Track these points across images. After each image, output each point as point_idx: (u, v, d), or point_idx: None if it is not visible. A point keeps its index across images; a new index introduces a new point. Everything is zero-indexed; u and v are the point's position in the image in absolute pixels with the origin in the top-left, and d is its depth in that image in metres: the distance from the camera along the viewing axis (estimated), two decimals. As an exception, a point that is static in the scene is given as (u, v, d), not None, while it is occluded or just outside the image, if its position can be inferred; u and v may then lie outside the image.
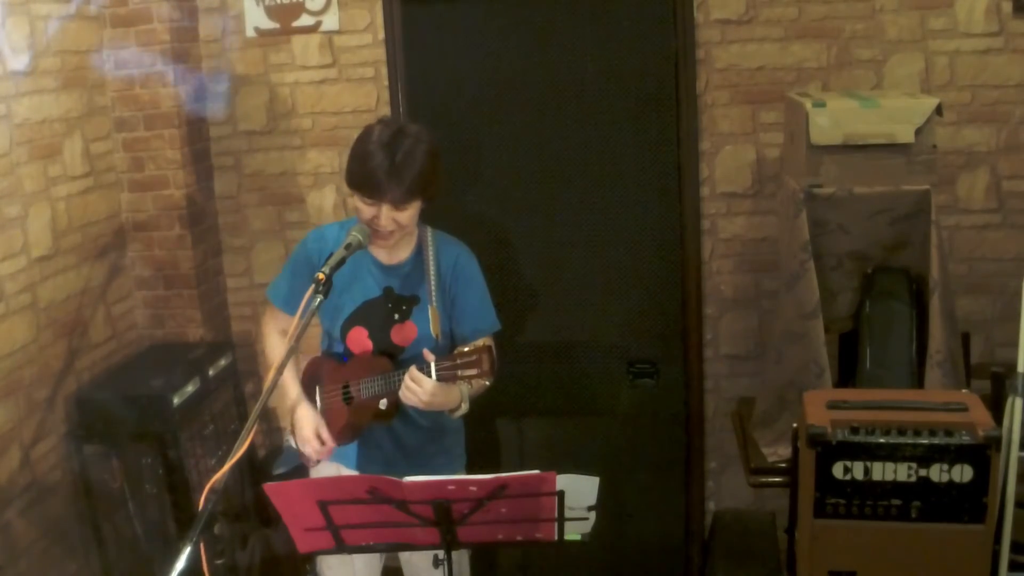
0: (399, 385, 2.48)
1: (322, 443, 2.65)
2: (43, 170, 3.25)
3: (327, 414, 2.71)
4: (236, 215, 3.93)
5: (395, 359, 2.63)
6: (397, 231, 2.54)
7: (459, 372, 2.39)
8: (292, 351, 2.24)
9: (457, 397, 2.56)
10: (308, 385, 2.78)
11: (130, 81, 3.60)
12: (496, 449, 3.91)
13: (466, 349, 2.43)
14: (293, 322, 2.37)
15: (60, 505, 3.28)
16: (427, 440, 2.74)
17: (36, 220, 3.21)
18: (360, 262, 2.65)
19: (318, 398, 2.75)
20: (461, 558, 2.84)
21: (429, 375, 2.42)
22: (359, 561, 2.80)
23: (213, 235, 3.91)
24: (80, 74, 3.45)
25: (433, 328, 2.60)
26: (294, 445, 3.77)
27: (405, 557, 2.91)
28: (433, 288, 2.63)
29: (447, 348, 2.66)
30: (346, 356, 2.70)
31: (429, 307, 2.62)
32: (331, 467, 2.78)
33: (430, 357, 2.43)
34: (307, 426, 2.66)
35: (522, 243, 3.75)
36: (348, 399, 2.68)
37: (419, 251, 2.68)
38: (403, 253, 2.68)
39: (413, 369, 2.44)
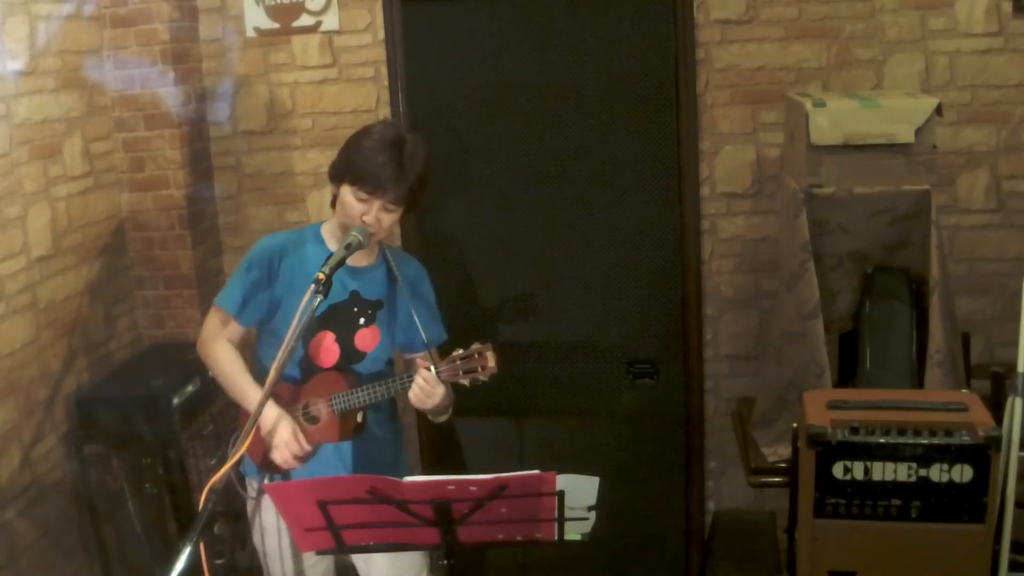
0: (390, 391, 2.52)
1: (300, 447, 2.52)
2: (43, 170, 3.25)
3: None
4: (236, 215, 3.93)
5: (346, 372, 2.59)
6: (378, 234, 2.54)
7: (460, 373, 2.44)
8: (285, 362, 2.20)
9: (449, 402, 2.59)
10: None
11: (130, 81, 3.60)
12: (496, 449, 3.91)
13: (463, 351, 2.46)
14: (240, 332, 2.62)
15: (60, 505, 3.28)
16: (381, 451, 2.73)
17: (36, 220, 3.21)
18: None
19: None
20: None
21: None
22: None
23: (213, 235, 3.91)
24: (80, 74, 3.45)
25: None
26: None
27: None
28: (398, 297, 2.64)
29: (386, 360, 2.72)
30: (298, 374, 2.60)
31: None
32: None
33: (426, 363, 2.48)
34: (285, 430, 2.50)
35: (522, 243, 3.74)
36: (311, 419, 2.58)
37: (384, 258, 2.67)
38: (369, 258, 2.66)
39: (424, 371, 2.47)
